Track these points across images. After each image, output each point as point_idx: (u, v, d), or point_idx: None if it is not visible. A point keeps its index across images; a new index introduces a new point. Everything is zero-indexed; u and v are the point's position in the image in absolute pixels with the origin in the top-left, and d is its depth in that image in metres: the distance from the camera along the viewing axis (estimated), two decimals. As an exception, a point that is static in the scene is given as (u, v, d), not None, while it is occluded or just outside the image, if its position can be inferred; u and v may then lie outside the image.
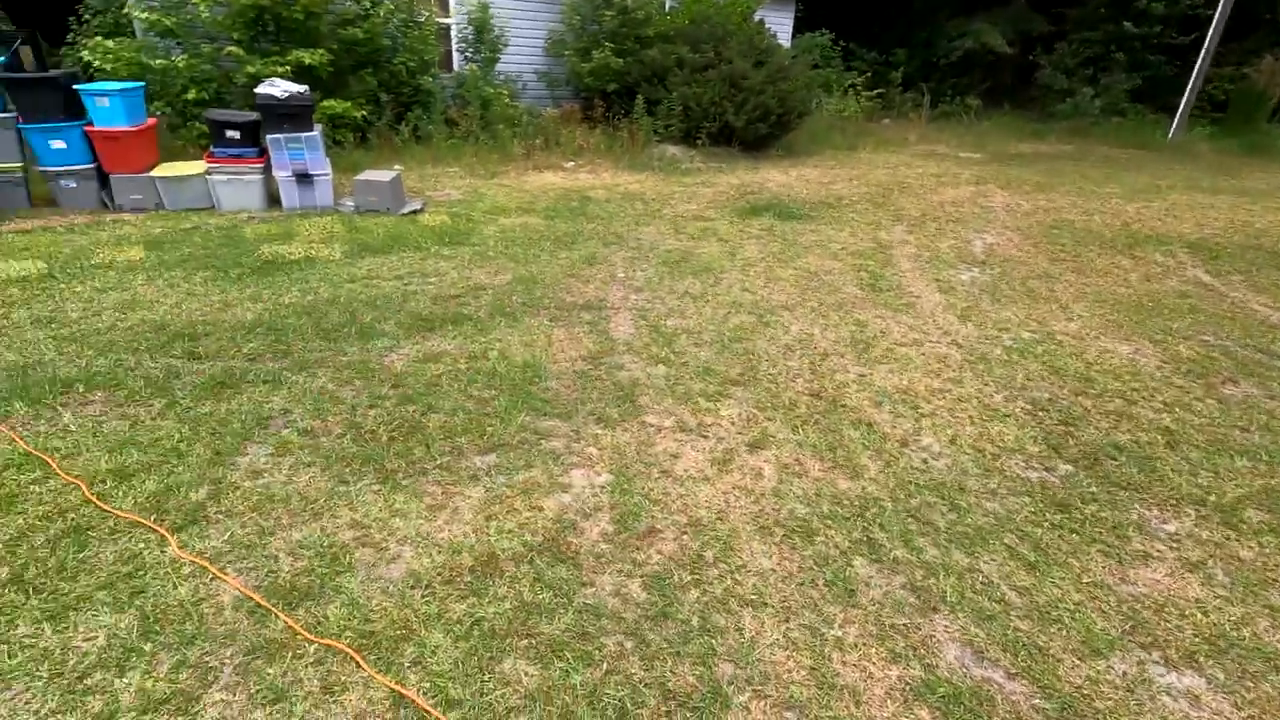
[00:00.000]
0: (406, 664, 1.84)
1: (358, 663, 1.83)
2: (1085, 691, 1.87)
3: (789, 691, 1.83)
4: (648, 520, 2.45)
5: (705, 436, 2.99)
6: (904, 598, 2.17)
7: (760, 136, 9.95)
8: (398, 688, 1.76)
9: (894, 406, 3.31)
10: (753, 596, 2.14)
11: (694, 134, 9.72)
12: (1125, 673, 1.93)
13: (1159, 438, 3.14)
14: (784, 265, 5.37)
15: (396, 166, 7.76)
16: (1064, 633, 2.05)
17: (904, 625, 2.06)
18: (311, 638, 1.89)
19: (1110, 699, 1.85)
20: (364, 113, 8.16)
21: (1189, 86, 13.47)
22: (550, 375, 3.44)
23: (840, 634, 2.02)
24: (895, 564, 2.30)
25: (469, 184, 7.69)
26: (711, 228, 6.41)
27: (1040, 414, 3.32)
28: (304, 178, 6.17)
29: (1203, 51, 13.21)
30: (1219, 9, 12.90)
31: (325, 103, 7.65)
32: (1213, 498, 2.72)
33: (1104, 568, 2.34)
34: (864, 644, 1.99)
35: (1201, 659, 1.99)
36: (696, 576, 2.20)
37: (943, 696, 1.83)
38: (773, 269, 5.26)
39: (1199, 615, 2.14)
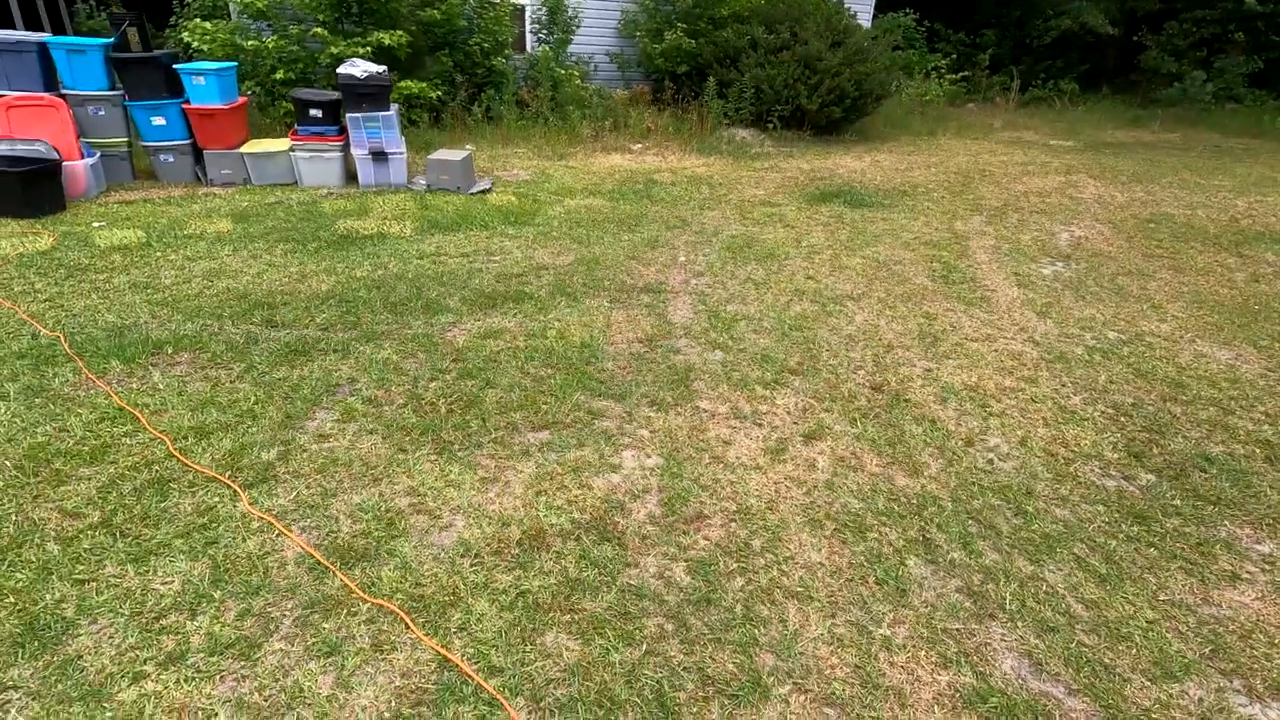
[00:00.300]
0: (453, 629, 1.89)
1: (407, 624, 1.89)
2: (1154, 715, 1.75)
3: (831, 688, 1.78)
4: (696, 505, 2.43)
5: (759, 425, 2.94)
6: (959, 601, 2.08)
7: (834, 120, 9.65)
8: (443, 651, 1.81)
9: (960, 404, 3.17)
10: (799, 589, 2.09)
11: (765, 117, 9.51)
12: (1201, 699, 1.80)
13: (1257, 451, 2.90)
14: (851, 253, 5.20)
15: (468, 146, 7.91)
16: (1134, 651, 1.93)
17: (957, 630, 1.98)
18: (365, 597, 1.97)
19: (1182, 726, 1.73)
20: (439, 93, 8.35)
21: (1318, 70, 12.23)
22: (607, 356, 3.45)
23: (889, 633, 1.95)
24: (952, 566, 2.21)
25: (537, 165, 7.77)
26: (778, 213, 6.27)
27: (1123, 419, 3.11)
28: (379, 156, 6.37)
29: (1337, 31, 11.96)
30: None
31: (402, 83, 7.86)
32: (1316, 519, 2.50)
33: (1184, 586, 2.18)
34: (913, 646, 1.92)
35: (1291, 692, 1.83)
36: (742, 565, 2.18)
37: (994, 707, 1.75)
38: (839, 257, 5.11)
39: (1291, 644, 1.97)
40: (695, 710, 1.71)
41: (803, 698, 1.75)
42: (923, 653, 1.90)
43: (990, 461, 2.76)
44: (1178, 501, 2.57)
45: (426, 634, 1.87)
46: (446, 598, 1.99)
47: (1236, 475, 2.73)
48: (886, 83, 10.18)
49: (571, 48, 9.86)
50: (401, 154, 6.47)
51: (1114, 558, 2.28)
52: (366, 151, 6.33)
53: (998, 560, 2.25)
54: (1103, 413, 3.15)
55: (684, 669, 1.81)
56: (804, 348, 3.65)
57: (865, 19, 12.69)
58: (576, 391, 3.10)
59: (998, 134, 11.75)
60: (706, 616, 1.98)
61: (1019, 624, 2.01)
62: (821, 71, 9.16)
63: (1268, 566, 2.27)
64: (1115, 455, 2.84)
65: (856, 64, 9.32)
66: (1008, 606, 2.06)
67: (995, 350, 3.72)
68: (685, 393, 3.16)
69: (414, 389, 3.07)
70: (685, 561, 2.18)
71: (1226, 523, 2.47)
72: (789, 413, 3.04)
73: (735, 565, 2.17)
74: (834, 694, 1.77)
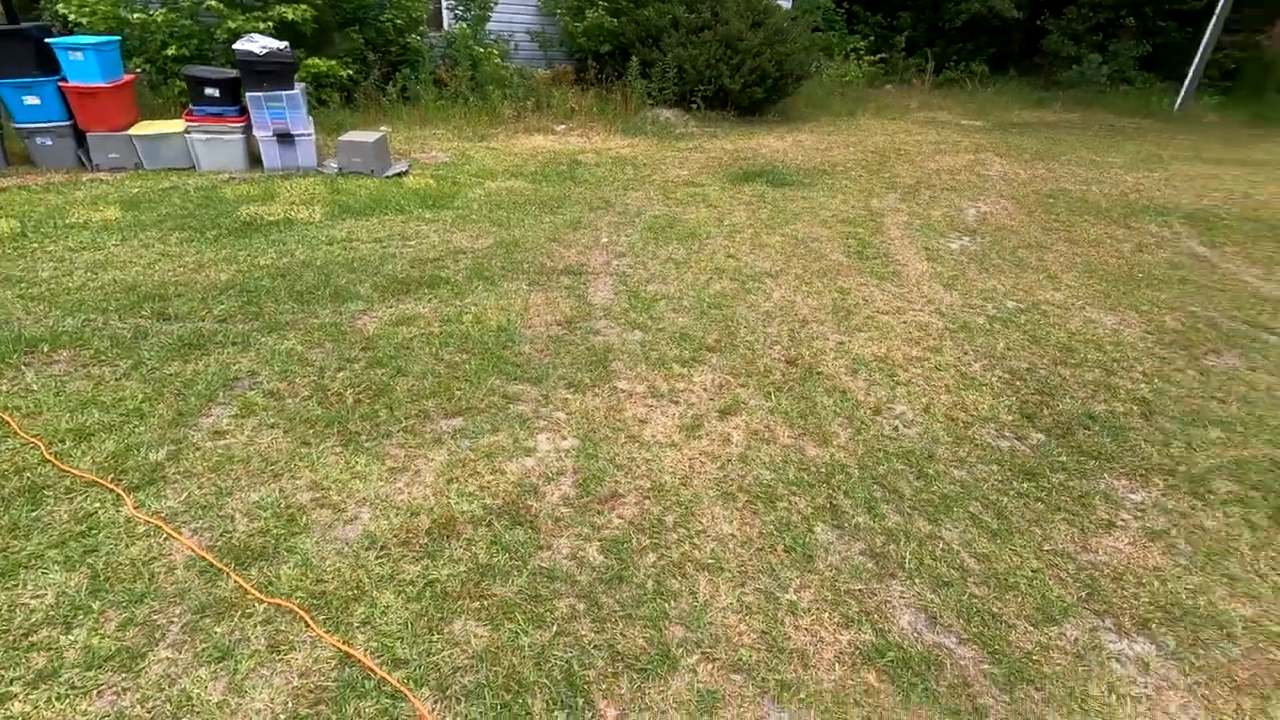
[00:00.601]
0: (356, 624, 1.83)
1: (306, 622, 1.82)
2: (1035, 657, 1.87)
3: (738, 654, 1.83)
4: (610, 485, 2.43)
5: (676, 402, 2.97)
6: (862, 564, 2.16)
7: (756, 101, 9.75)
8: (344, 647, 1.76)
9: (870, 374, 3.28)
10: (710, 561, 2.13)
11: (689, 97, 9.52)
12: (1076, 639, 1.93)
13: (1135, 408, 3.12)
14: (771, 232, 5.29)
15: (383, 127, 7.60)
16: (1019, 599, 2.05)
17: (859, 591, 2.05)
18: (261, 597, 1.89)
19: (1059, 664, 1.85)
20: (350, 72, 7.98)
21: (1198, 54, 13.15)
22: (524, 340, 3.40)
23: (795, 598, 2.01)
24: (856, 530, 2.29)
25: (456, 146, 7.55)
26: (701, 193, 6.30)
27: (1018, 383, 3.28)
28: (285, 138, 6.05)
29: (1214, 17, 12.87)
30: (1233, -28, 12.53)
31: (309, 61, 7.47)
32: (1183, 468, 2.71)
33: (1066, 536, 2.33)
34: (818, 609, 1.98)
35: (1154, 626, 1.99)
36: (655, 541, 2.19)
37: (891, 661, 1.83)
38: (759, 235, 5.19)
39: (1156, 583, 2.14)
40: (605, 687, 1.72)
41: (710, 666, 1.79)
42: (826, 614, 1.97)
43: (896, 429, 2.87)
44: (1064, 458, 2.74)
45: (327, 631, 1.80)
46: (350, 592, 1.93)
47: (1116, 431, 2.93)
48: (807, 63, 10.34)
49: (491, 25, 9.59)
50: (309, 135, 6.17)
51: (1005, 513, 2.41)
52: (271, 133, 6.00)
53: (899, 522, 2.34)
54: (1000, 378, 3.32)
55: (594, 647, 1.82)
56: (722, 325, 3.69)
57: (785, 0, 12.83)
58: (491, 376, 3.05)
59: (914, 114, 12.13)
60: (618, 594, 1.99)
61: (917, 581, 2.10)
62: (743, 52, 9.22)
63: (1139, 514, 2.45)
64: (1010, 417, 3.01)
65: (777, 44, 9.43)
66: (907, 565, 2.16)
67: (904, 322, 3.87)
68: (603, 373, 3.15)
69: (319, 380, 2.95)
70: (599, 541, 2.18)
71: (1106, 475, 2.65)
72: (706, 390, 3.08)
73: (648, 542, 2.19)
74: (740, 660, 1.81)
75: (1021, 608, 2.02)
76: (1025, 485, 2.56)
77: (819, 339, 3.60)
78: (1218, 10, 12.83)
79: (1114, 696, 1.77)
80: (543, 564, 2.07)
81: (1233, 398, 3.25)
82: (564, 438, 2.68)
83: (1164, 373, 3.45)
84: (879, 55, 14.90)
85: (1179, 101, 13.46)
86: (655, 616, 1.92)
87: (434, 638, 1.81)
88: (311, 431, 2.61)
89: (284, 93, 5.86)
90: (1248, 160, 9.33)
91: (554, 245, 4.74)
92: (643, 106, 9.37)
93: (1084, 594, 2.09)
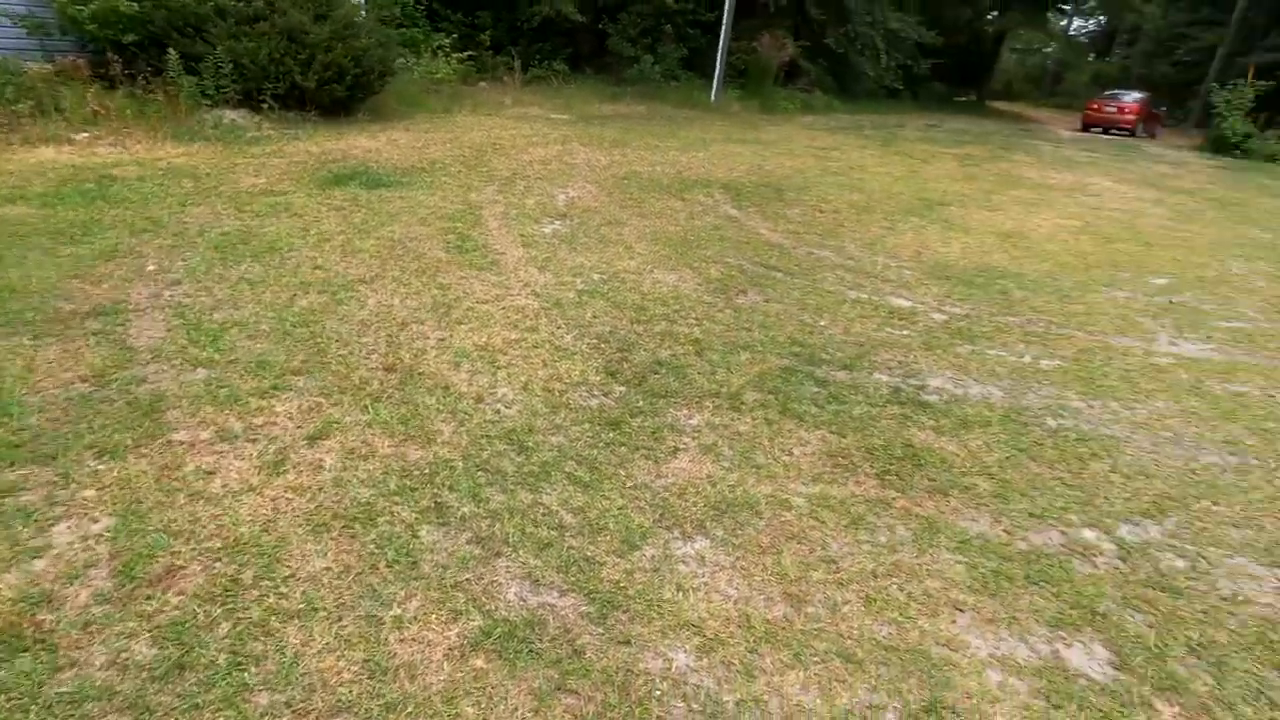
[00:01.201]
0: None
1: None
2: (622, 584, 2.11)
3: (336, 696, 1.68)
4: (165, 560, 2.02)
5: (254, 440, 2.61)
6: (470, 552, 2.18)
7: (339, 99, 9.11)
8: None
9: (472, 364, 3.33)
10: (300, 607, 1.92)
11: (256, 97, 8.44)
12: (653, 556, 2.24)
13: (690, 349, 3.74)
14: (365, 236, 5.00)
15: None
16: (608, 538, 2.29)
17: (466, 580, 2.07)
18: None
19: (641, 583, 2.12)
20: None
21: (718, 57, 16.35)
22: (28, 410, 2.62)
23: (400, 612, 1.93)
24: (462, 521, 2.30)
25: (-98, 168, 5.49)
26: (283, 202, 5.66)
27: (603, 346, 3.67)
28: None
29: (723, 28, 16.10)
30: (728, -8, 15.77)
31: None
32: (724, 389, 3.34)
33: (645, 470, 2.68)
34: (424, 614, 1.94)
35: (708, 524, 2.41)
36: (229, 607, 1.89)
37: (499, 636, 1.88)
38: (352, 241, 4.87)
39: (709, 488, 2.60)
40: (161, 804, 1.42)
41: (302, 722, 1.61)
42: (434, 615, 1.93)
43: (498, 411, 2.97)
44: (640, 403, 3.15)
45: None
46: None
47: (678, 370, 3.48)
48: (388, 60, 10.00)
49: (-65, 3, 7.13)
50: None
51: (596, 465, 2.67)
52: None
53: (504, 501, 2.42)
54: (589, 344, 3.68)
55: (145, 763, 1.49)
56: (310, 343, 3.36)
57: (356, -7, 12.18)
58: (-30, 469, 2.28)
59: (508, 110, 12.72)
60: (180, 686, 1.67)
61: (521, 552, 2.20)
62: (311, 46, 8.48)
63: (696, 435, 2.95)
64: (598, 378, 3.35)
65: (349, 39, 8.90)
66: (511, 540, 2.24)
67: (504, 308, 4.02)
68: (152, 428, 2.60)
69: None
70: (150, 633, 1.79)
71: (671, 410, 3.13)
72: (291, 418, 2.77)
73: (220, 610, 1.88)
74: (340, 701, 1.67)
75: (610, 544, 2.26)
76: (611, 435, 2.88)
77: (419, 339, 3.53)
78: (724, 23, 16.05)
79: (681, 593, 2.09)
80: (64, 689, 1.62)
81: (755, 325, 4.12)
82: (95, 520, 2.14)
83: (710, 315, 4.22)
84: (468, 53, 15.21)
85: (713, 95, 16.58)
86: (232, 693, 1.66)
87: None
88: None
89: None
90: (760, 140, 11.96)
91: (75, 283, 3.76)
92: (198, 108, 8.01)
93: (658, 515, 2.43)
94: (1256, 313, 5.29)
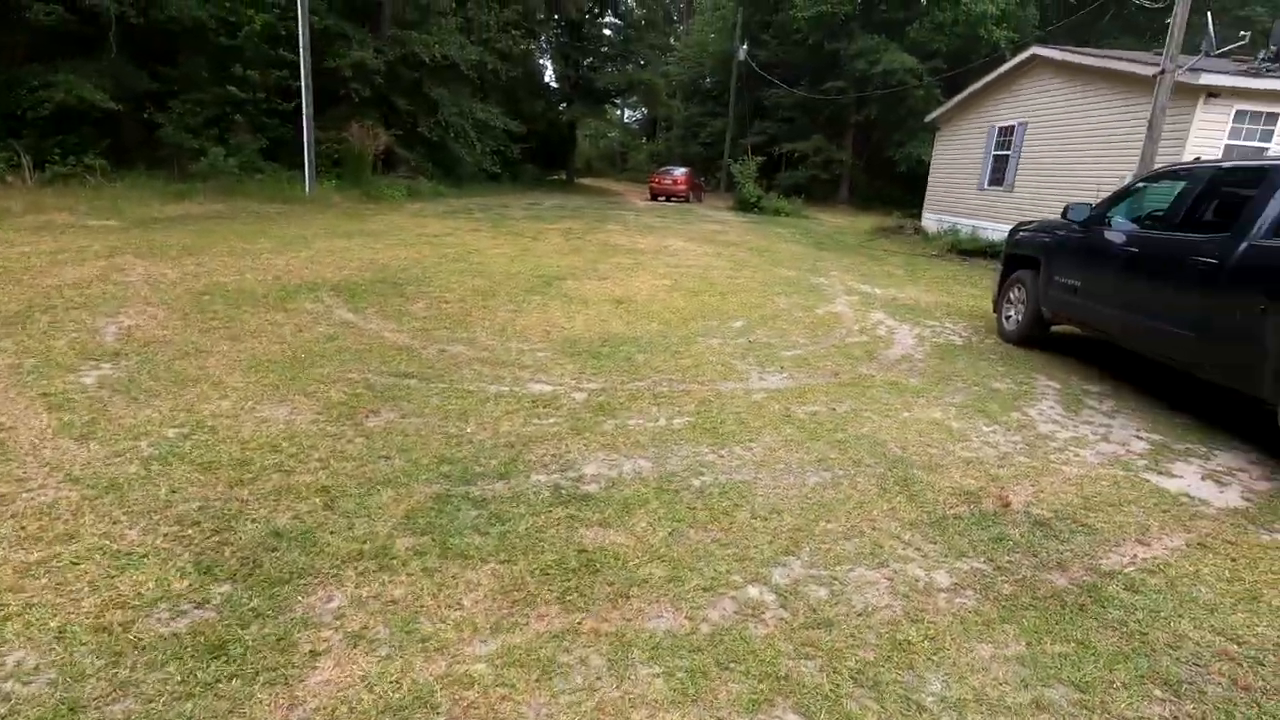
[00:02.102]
0: None
1: None
2: None
3: None
4: None
5: None
6: None
7: None
8: None
9: (-47, 628, 2.16)
10: None
11: None
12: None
13: (318, 502, 3.07)
14: None
15: None
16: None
17: None
18: None
19: None
20: None
21: (306, 147, 15.24)
22: None
23: None
24: None
25: None
26: None
27: (190, 531, 2.78)
28: None
29: (304, 118, 15.08)
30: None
31: None
32: (368, 545, 2.78)
33: (271, 706, 1.99)
34: None
35: (372, 752, 1.87)
36: None
37: None
38: None
39: (365, 696, 2.04)
40: None
41: None
42: None
43: (7, 697, 1.94)
44: (255, 601, 2.41)
45: None
46: None
47: (303, 538, 2.79)
48: None
49: None
50: None
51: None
52: None
53: None
54: (167, 535, 2.74)
55: None
56: None
57: None
58: None
59: (19, 219, 9.80)
60: None
61: None
62: None
63: (339, 621, 2.35)
64: (185, 582, 2.48)
65: None
66: None
67: (14, 514, 2.79)
68: None
69: None
70: None
71: (300, 597, 2.45)
72: None
73: None
74: None
75: None
76: (214, 669, 2.10)
77: None
78: (304, 113, 15.06)
79: None
80: None
81: (394, 450, 3.62)
82: None
83: (337, 450, 3.58)
84: (-67, 149, 11.39)
85: (308, 186, 15.35)
86: None
87: None
88: None
89: None
90: (369, 231, 11.35)
91: None
92: None
93: (298, 771, 1.80)
94: (804, 339, 6.71)
